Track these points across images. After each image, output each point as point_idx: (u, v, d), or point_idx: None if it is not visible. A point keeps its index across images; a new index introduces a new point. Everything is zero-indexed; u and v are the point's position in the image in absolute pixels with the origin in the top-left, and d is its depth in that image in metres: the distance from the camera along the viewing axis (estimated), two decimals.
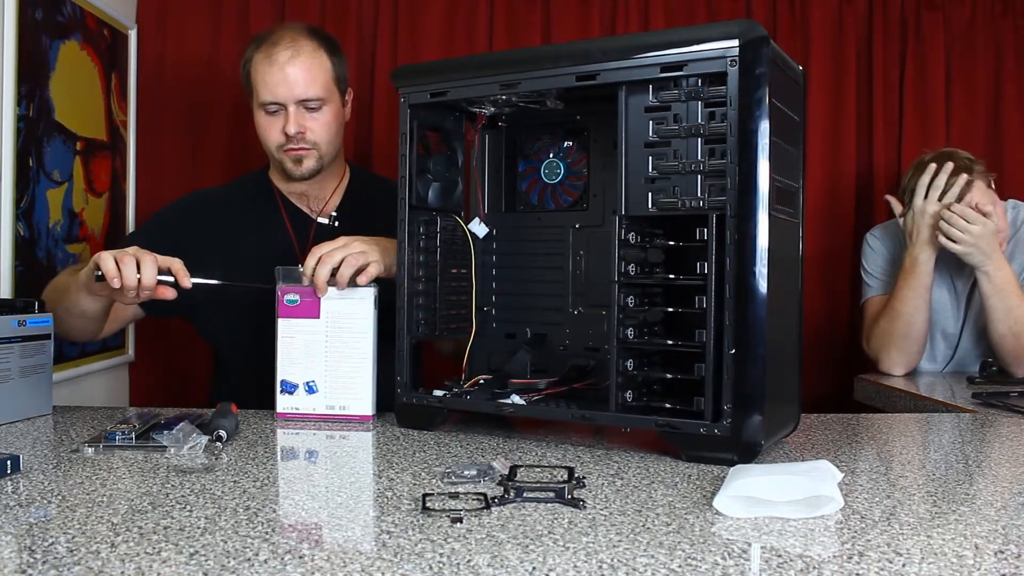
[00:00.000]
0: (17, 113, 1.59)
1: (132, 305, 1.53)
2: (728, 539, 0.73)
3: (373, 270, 1.26)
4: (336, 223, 1.60)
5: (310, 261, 1.26)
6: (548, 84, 1.12)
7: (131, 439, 1.06)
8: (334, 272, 1.25)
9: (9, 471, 0.91)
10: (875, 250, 2.05)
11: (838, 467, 0.92)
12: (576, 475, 0.92)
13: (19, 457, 0.94)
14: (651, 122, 1.07)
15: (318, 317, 1.27)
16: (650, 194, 1.07)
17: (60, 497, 0.84)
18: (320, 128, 1.54)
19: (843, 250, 2.29)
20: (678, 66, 1.02)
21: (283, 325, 1.27)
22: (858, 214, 2.30)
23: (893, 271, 2.01)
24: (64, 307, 1.41)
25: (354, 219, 1.60)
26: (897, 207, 1.94)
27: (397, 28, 2.22)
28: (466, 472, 0.91)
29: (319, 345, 1.27)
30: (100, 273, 1.23)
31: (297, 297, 1.27)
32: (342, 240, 1.29)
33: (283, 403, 1.27)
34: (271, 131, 1.54)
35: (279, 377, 1.27)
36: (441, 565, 0.66)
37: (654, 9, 2.26)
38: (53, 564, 0.66)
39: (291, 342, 1.27)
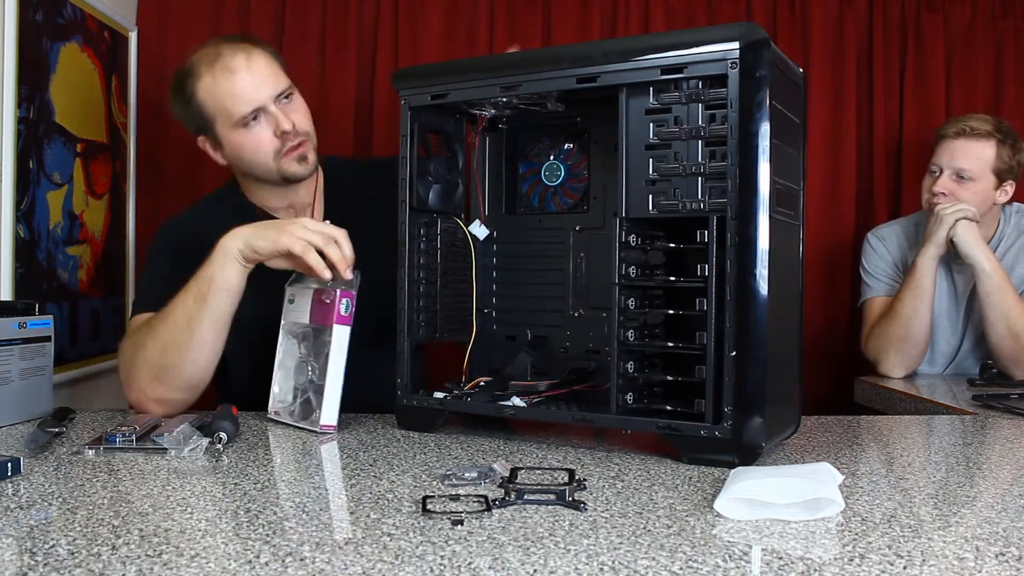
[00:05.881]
0: (17, 115, 1.59)
1: None
2: (729, 541, 0.73)
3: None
4: None
5: (338, 251, 1.21)
6: (549, 86, 1.12)
7: (132, 441, 1.06)
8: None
9: (10, 473, 0.91)
10: (876, 251, 2.05)
11: (839, 469, 0.92)
12: (577, 477, 0.92)
13: (20, 459, 0.94)
14: (652, 124, 1.07)
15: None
16: (651, 196, 1.07)
17: (61, 499, 0.84)
18: (301, 117, 1.47)
19: (843, 252, 2.29)
20: (678, 68, 1.02)
21: (339, 333, 1.20)
22: (858, 216, 2.31)
23: (893, 272, 2.01)
24: (189, 337, 1.26)
25: (343, 216, 1.45)
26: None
27: (397, 30, 2.23)
28: (467, 474, 0.91)
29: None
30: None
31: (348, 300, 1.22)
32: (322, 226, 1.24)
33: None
34: (262, 140, 1.43)
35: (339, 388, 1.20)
36: (442, 568, 0.66)
37: (654, 11, 2.26)
38: (54, 567, 0.65)
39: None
